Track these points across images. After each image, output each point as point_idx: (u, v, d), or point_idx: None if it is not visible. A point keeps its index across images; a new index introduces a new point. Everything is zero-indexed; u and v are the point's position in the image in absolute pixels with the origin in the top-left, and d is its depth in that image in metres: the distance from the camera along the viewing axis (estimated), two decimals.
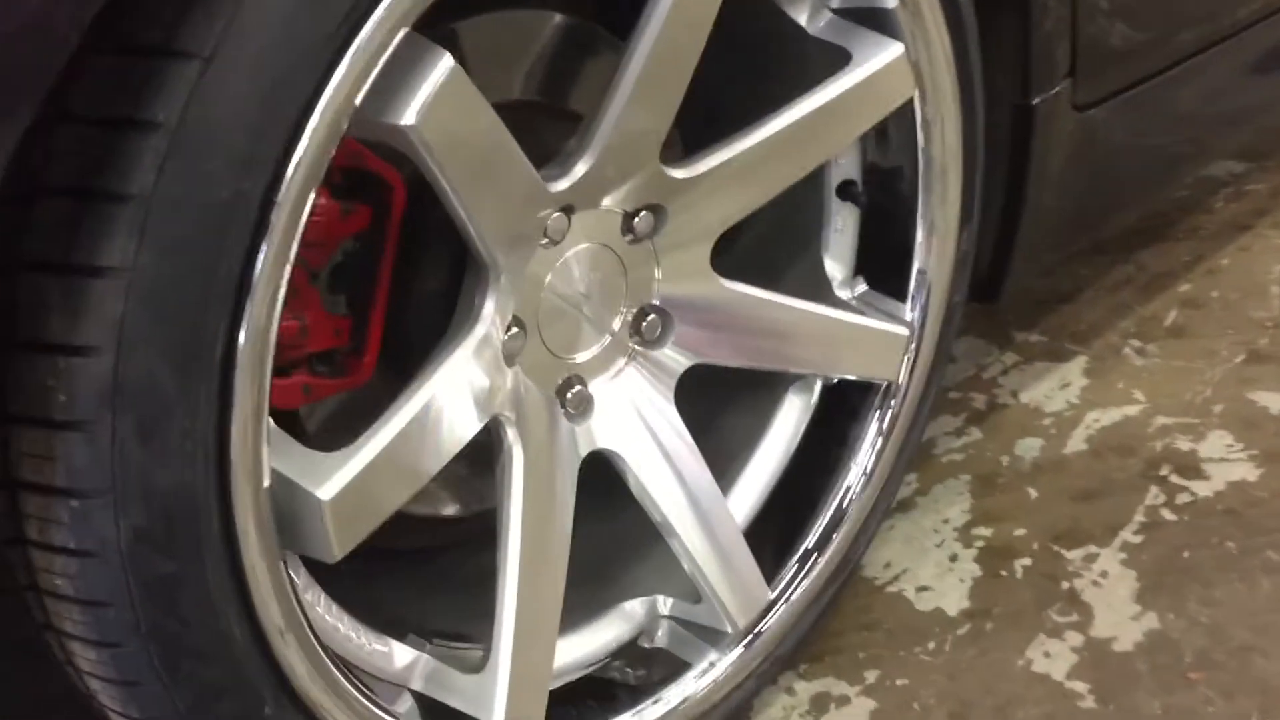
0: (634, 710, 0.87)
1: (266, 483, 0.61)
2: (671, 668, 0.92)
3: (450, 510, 0.91)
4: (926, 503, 1.16)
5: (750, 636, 0.92)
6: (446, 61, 0.60)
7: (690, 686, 0.90)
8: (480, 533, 0.91)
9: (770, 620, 0.93)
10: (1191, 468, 1.17)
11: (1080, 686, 0.97)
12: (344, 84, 0.56)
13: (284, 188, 0.55)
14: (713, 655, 0.91)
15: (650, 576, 0.93)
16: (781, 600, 0.93)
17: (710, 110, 0.91)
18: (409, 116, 0.60)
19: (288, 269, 0.58)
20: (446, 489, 0.90)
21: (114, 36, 0.52)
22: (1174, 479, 1.16)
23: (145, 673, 0.59)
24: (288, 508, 0.63)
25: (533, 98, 0.81)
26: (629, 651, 0.93)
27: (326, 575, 0.73)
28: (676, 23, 0.73)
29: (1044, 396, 1.29)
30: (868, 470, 0.97)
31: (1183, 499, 1.13)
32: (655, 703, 0.89)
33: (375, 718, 0.71)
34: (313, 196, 0.57)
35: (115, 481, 0.55)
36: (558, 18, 0.82)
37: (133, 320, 0.53)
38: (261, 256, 0.56)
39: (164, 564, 0.57)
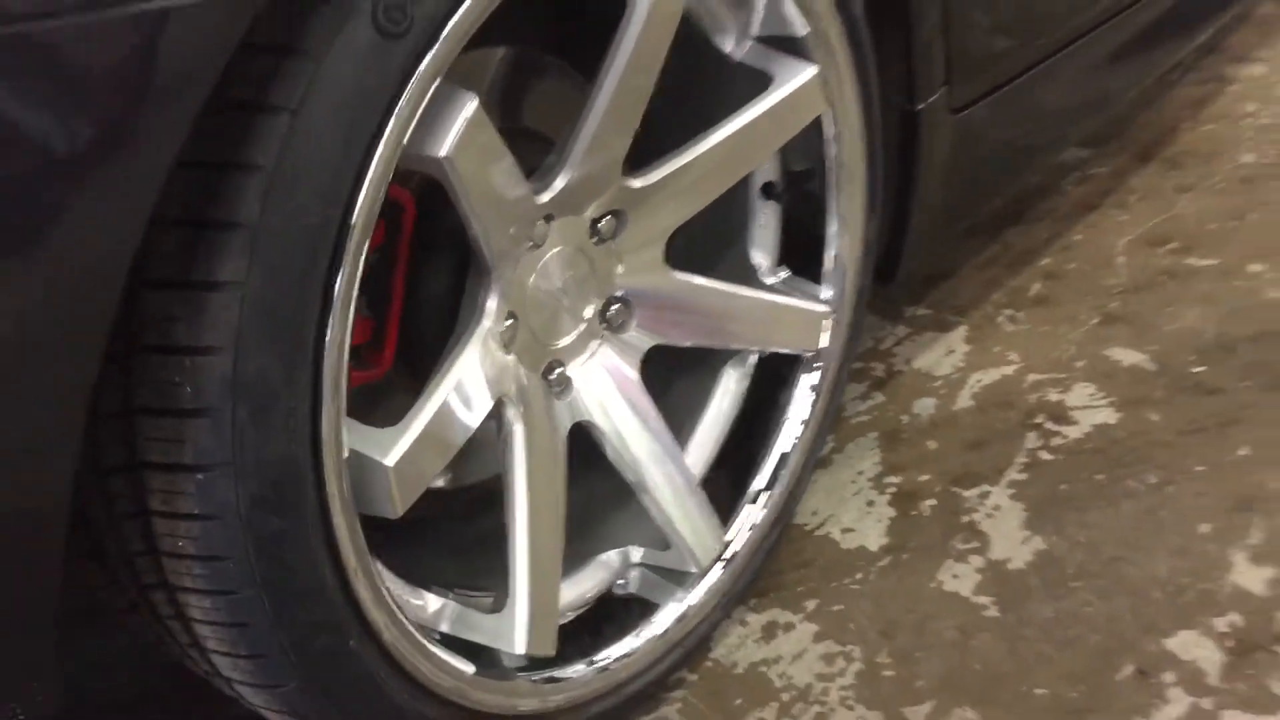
0: (618, 642, 1.02)
1: (345, 454, 0.74)
2: (648, 609, 1.07)
3: (442, 483, 1.04)
4: (842, 459, 1.33)
5: (710, 575, 1.07)
6: (473, 102, 0.74)
7: (663, 622, 1.06)
8: (472, 502, 1.05)
9: (726, 560, 1.09)
10: (1062, 415, 1.36)
11: (985, 600, 1.15)
12: (397, 126, 0.70)
13: (356, 213, 0.69)
14: (680, 594, 1.07)
15: (622, 530, 1.08)
16: (735, 542, 1.09)
17: (652, 129, 1.06)
18: (444, 149, 0.74)
19: (358, 279, 0.71)
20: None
21: (221, 95, 0.64)
22: (1048, 425, 1.35)
23: (256, 615, 0.72)
24: (358, 475, 0.76)
25: (515, 124, 0.95)
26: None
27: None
28: (635, 63, 0.87)
29: (933, 362, 1.47)
30: (802, 426, 1.13)
31: (1057, 442, 1.33)
32: (635, 637, 1.04)
33: (425, 649, 0.85)
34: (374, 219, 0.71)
35: (235, 456, 0.67)
36: (543, 55, 0.96)
37: (247, 325, 0.66)
38: (342, 270, 0.69)
39: (274, 523, 0.70)
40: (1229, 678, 1.04)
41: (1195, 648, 1.07)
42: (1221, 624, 1.09)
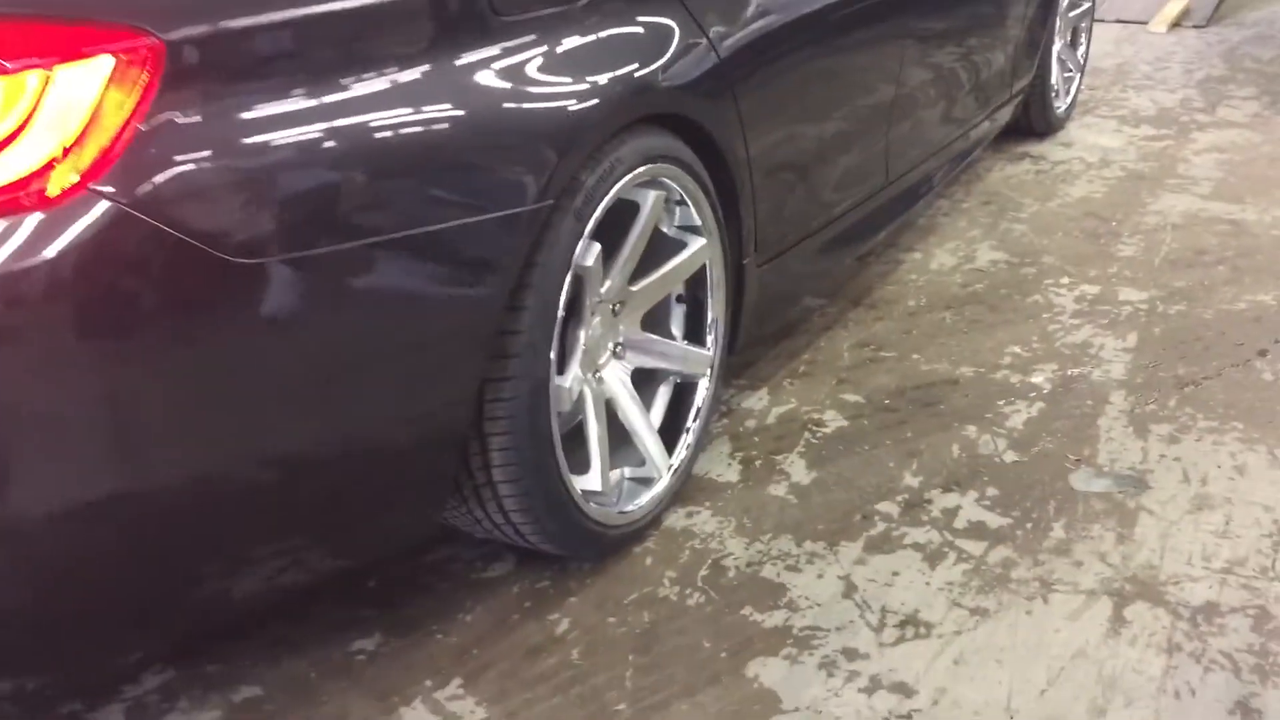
0: (626, 505, 2.14)
1: (554, 381, 1.87)
2: (639, 493, 2.19)
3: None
4: (711, 448, 2.51)
5: (663, 483, 2.21)
6: (598, 246, 1.92)
7: (641, 501, 2.18)
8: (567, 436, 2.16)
9: (669, 476, 2.23)
10: (821, 422, 2.59)
11: (791, 498, 2.33)
12: (578, 252, 1.86)
13: (566, 284, 1.84)
14: (650, 491, 2.20)
15: (619, 459, 2.20)
16: (672, 465, 2.24)
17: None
18: (589, 263, 1.90)
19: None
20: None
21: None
22: (815, 428, 2.57)
23: (524, 448, 1.81)
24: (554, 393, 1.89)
25: None
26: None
27: None
28: (639, 236, 2.06)
29: (751, 404, 2.68)
30: (703, 400, 2.30)
31: (820, 434, 2.55)
32: (635, 505, 2.16)
33: (569, 476, 1.95)
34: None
35: (527, 374, 1.80)
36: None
37: (534, 324, 1.79)
38: (560, 304, 1.84)
39: (535, 403, 1.82)
40: (902, 516, 2.25)
41: (889, 506, 2.28)
42: (899, 499, 2.31)
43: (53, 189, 1.29)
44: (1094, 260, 3.43)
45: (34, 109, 1.28)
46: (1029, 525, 2.23)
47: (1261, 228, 3.66)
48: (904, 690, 1.84)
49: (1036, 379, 2.76)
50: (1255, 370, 2.79)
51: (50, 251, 1.28)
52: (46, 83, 1.29)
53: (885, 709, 1.80)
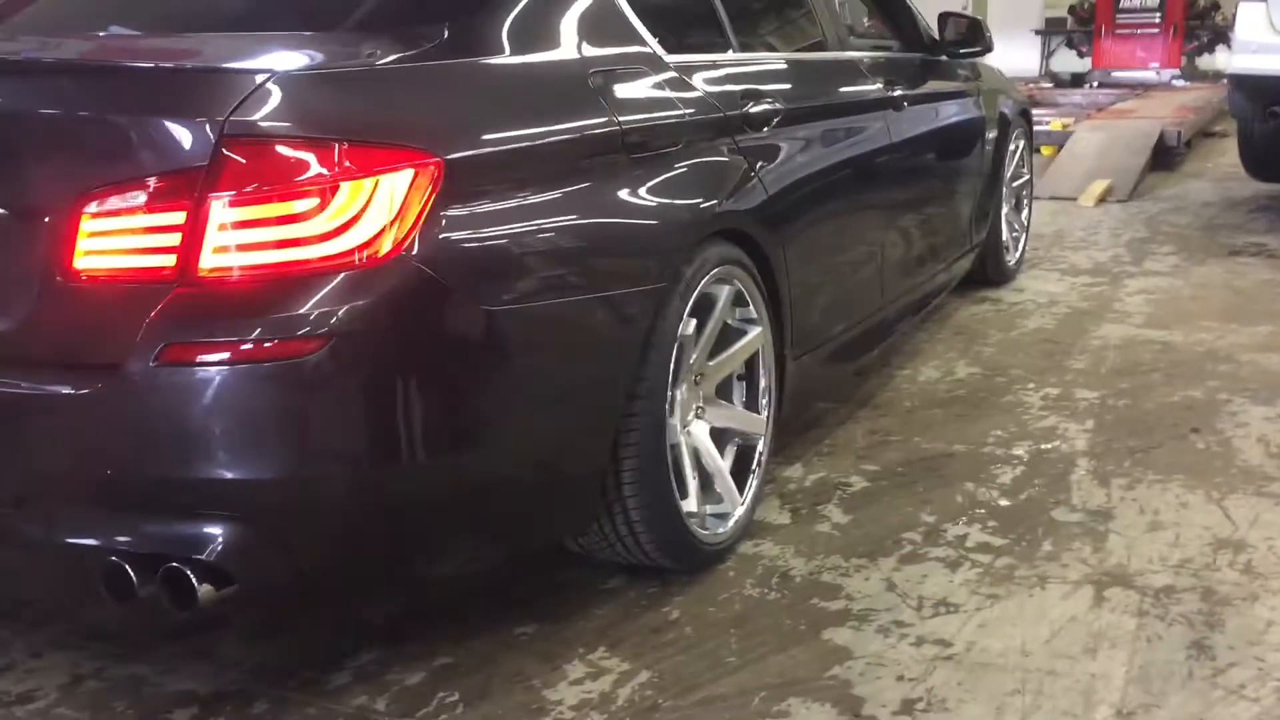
0: (713, 530, 2.74)
1: (669, 420, 2.50)
2: (720, 524, 2.79)
3: None
4: (765, 503, 3.12)
5: (738, 515, 2.82)
6: (694, 320, 2.58)
7: (724, 529, 2.78)
8: None
9: (742, 508, 2.84)
10: (849, 485, 3.21)
11: (835, 532, 2.94)
12: (683, 323, 2.53)
13: (676, 346, 2.50)
14: (729, 521, 2.80)
15: (703, 497, 2.81)
16: (744, 501, 2.85)
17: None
18: (689, 332, 2.57)
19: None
20: None
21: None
22: (844, 488, 3.20)
23: (649, 465, 2.42)
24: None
25: None
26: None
27: None
28: (712, 329, 2.73)
29: (789, 474, 3.31)
30: (759, 466, 2.93)
31: (848, 492, 3.17)
32: (721, 530, 2.76)
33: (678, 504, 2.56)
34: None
35: (654, 393, 2.43)
36: None
37: (653, 373, 2.44)
38: (673, 363, 2.49)
39: (659, 432, 2.45)
40: (924, 541, 2.87)
41: (912, 535, 2.90)
42: (920, 530, 2.93)
43: (381, 252, 1.94)
44: (1053, 371, 4.14)
45: (369, 201, 1.95)
46: (1024, 543, 2.85)
47: (1187, 346, 4.40)
48: (944, 644, 2.42)
49: (1017, 451, 3.42)
50: (1190, 442, 3.47)
51: (381, 291, 1.93)
52: (376, 185, 1.96)
53: (931, 654, 2.39)
